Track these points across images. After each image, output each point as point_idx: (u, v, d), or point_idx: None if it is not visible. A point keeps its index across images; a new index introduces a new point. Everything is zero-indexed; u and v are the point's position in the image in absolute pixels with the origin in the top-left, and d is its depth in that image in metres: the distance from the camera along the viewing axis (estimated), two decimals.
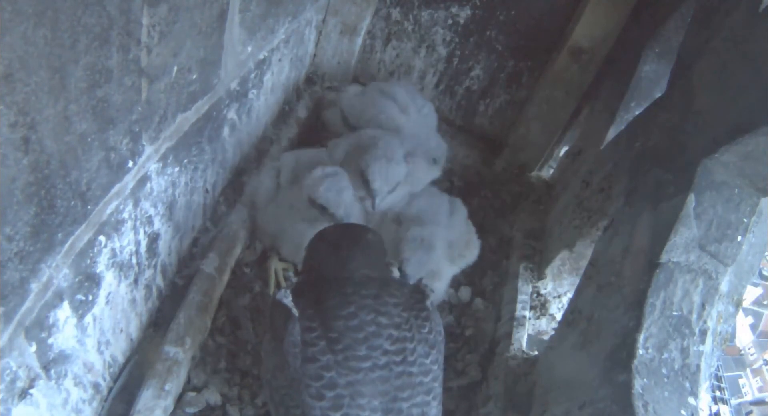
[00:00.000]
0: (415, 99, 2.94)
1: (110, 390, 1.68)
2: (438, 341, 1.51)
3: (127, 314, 1.69)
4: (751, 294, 12.91)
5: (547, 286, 2.50)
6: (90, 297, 1.40)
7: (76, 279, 1.30)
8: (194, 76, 1.64)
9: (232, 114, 2.17)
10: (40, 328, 1.20)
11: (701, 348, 1.54)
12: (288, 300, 1.48)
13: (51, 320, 1.23)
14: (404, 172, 2.41)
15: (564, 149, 3.29)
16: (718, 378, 4.04)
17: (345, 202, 2.17)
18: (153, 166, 1.57)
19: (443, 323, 2.39)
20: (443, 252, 2.33)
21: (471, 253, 2.45)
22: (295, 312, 1.45)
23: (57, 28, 0.93)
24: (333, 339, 1.40)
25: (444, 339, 1.56)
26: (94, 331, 1.48)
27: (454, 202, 2.50)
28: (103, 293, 1.46)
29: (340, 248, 1.62)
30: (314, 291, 1.54)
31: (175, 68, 1.48)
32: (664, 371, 1.48)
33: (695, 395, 1.47)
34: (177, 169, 1.77)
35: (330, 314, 1.45)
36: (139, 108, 1.34)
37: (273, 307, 1.55)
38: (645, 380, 1.44)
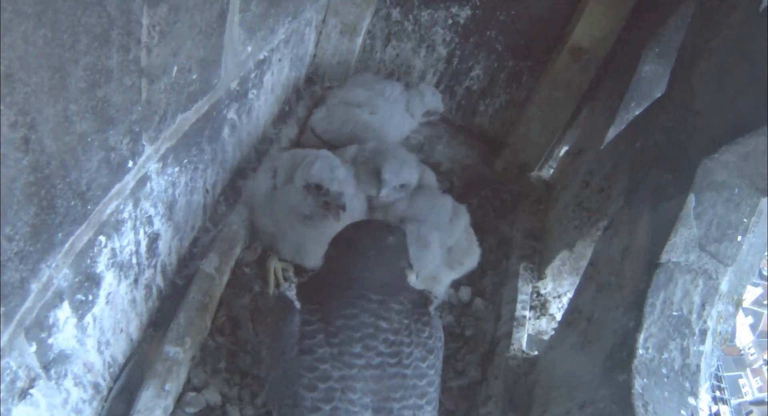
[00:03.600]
0: (377, 88, 2.95)
1: (110, 390, 1.68)
2: (437, 347, 1.51)
3: (127, 314, 1.69)
4: (751, 294, 12.92)
5: (547, 286, 2.50)
6: (90, 297, 1.40)
7: (76, 279, 1.30)
8: (194, 76, 1.64)
9: (232, 114, 2.17)
10: (40, 328, 1.20)
11: (701, 348, 1.54)
12: (291, 293, 1.51)
13: (51, 320, 1.23)
14: (416, 176, 2.48)
15: (564, 149, 3.30)
16: (718, 378, 4.03)
17: (339, 178, 2.15)
18: (153, 166, 1.57)
19: (443, 323, 2.43)
20: (441, 256, 2.34)
21: (471, 261, 2.47)
22: (297, 304, 1.48)
23: (57, 28, 0.93)
24: (331, 333, 1.42)
25: (443, 346, 1.56)
26: (94, 331, 1.48)
27: (458, 207, 2.49)
28: (103, 293, 1.46)
29: (355, 249, 1.59)
30: (321, 289, 1.55)
31: (175, 68, 1.48)
32: (664, 371, 1.48)
33: (695, 395, 1.47)
34: (177, 169, 1.77)
35: (332, 312, 1.46)
36: (139, 108, 1.34)
37: (276, 300, 1.57)
38: (645, 380, 1.44)
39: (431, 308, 1.57)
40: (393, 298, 1.51)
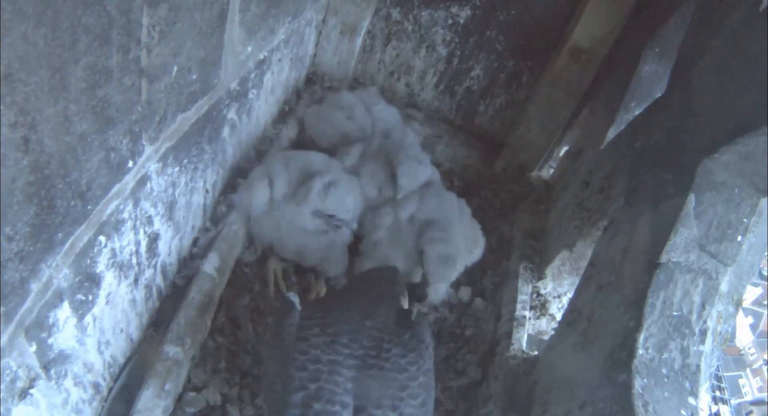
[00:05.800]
0: (368, 101, 2.91)
1: (110, 390, 1.68)
2: (419, 347, 1.66)
3: (127, 314, 1.69)
4: (751, 294, 12.93)
5: (547, 286, 2.50)
6: (90, 297, 1.40)
7: (76, 279, 1.30)
8: (194, 76, 1.64)
9: (232, 114, 2.17)
10: (40, 328, 1.20)
11: (701, 348, 1.53)
12: (295, 298, 1.69)
13: (51, 320, 1.24)
14: (428, 174, 2.56)
15: (564, 149, 3.29)
16: (718, 378, 4.04)
17: (349, 207, 2.34)
18: (153, 166, 1.57)
19: (443, 323, 2.43)
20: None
21: (477, 250, 2.52)
22: (299, 306, 1.66)
23: (57, 28, 0.93)
24: (325, 325, 1.61)
25: (429, 346, 1.71)
26: (94, 331, 1.48)
27: (460, 201, 2.55)
28: (103, 293, 1.46)
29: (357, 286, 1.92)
30: (324, 303, 1.81)
31: (175, 68, 1.48)
32: (664, 371, 1.48)
33: (695, 395, 1.47)
34: (177, 169, 1.77)
35: (328, 308, 1.70)
36: (139, 108, 1.34)
37: (277, 300, 1.79)
38: (645, 380, 1.44)
39: (412, 316, 1.75)
40: (380, 303, 1.75)
